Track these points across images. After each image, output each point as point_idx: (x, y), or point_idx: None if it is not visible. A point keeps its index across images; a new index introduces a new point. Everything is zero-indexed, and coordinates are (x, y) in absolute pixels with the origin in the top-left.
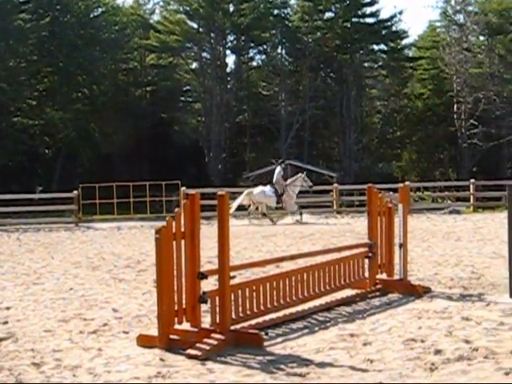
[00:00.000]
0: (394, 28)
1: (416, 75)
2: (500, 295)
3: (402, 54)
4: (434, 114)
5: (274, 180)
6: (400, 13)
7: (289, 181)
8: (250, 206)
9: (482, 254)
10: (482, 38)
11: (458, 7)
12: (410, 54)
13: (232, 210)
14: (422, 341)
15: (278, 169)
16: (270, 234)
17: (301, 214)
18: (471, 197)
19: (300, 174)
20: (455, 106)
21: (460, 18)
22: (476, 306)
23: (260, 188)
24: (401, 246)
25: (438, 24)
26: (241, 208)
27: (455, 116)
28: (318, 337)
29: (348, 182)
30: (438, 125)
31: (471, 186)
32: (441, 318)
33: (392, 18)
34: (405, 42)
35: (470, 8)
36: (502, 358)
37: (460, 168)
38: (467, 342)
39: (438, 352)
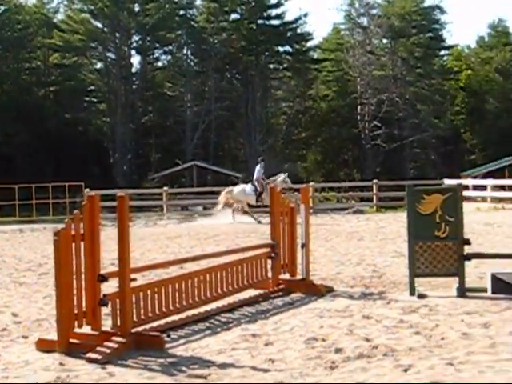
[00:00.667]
0: (298, 30)
1: (320, 77)
2: (400, 293)
3: (306, 56)
4: (339, 115)
5: (255, 178)
6: (305, 15)
7: (269, 180)
8: (232, 204)
9: (384, 253)
10: (385, 40)
11: (361, 10)
12: (315, 56)
13: (219, 208)
14: (323, 340)
15: (258, 167)
16: (175, 236)
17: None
18: (374, 197)
19: (281, 175)
20: (359, 108)
21: (364, 21)
22: (377, 304)
23: (241, 186)
24: (303, 246)
25: (343, 27)
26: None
27: (359, 117)
28: (220, 338)
29: None
30: (342, 126)
31: (374, 187)
32: (342, 316)
33: (297, 20)
34: (310, 44)
35: (374, 11)
36: (401, 355)
37: (364, 168)
38: (367, 339)
39: (338, 350)
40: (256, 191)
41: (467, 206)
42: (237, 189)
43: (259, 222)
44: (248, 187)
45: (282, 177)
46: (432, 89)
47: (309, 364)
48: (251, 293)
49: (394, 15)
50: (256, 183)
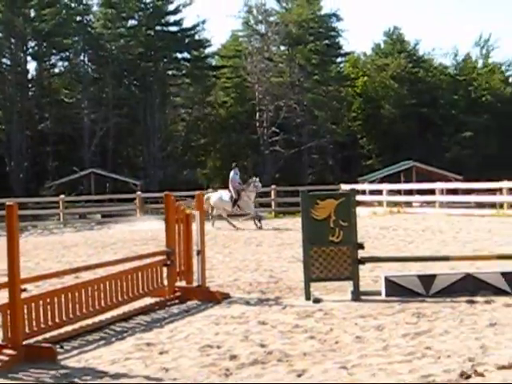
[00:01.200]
0: (197, 37)
1: (219, 83)
2: (296, 298)
3: (205, 63)
4: (237, 121)
5: (231, 185)
6: (203, 22)
7: (242, 186)
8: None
9: (281, 258)
10: (282, 47)
11: (259, 17)
12: (214, 63)
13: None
14: (218, 347)
15: (232, 173)
16: (72, 244)
17: (259, 220)
18: (272, 202)
19: (253, 179)
20: (257, 114)
21: (262, 28)
22: (273, 309)
23: (218, 194)
24: (198, 252)
25: (241, 34)
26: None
27: (257, 124)
28: (114, 348)
29: (153, 190)
30: (241, 132)
31: (272, 192)
32: (238, 323)
33: (195, 26)
34: (208, 50)
35: (272, 18)
36: (296, 360)
37: (263, 174)
38: (262, 345)
39: (233, 357)
40: (231, 198)
41: (364, 211)
42: (214, 197)
43: (236, 229)
44: (225, 194)
45: (253, 181)
46: (329, 95)
47: (203, 372)
48: (147, 301)
49: (291, 22)
50: (232, 190)
